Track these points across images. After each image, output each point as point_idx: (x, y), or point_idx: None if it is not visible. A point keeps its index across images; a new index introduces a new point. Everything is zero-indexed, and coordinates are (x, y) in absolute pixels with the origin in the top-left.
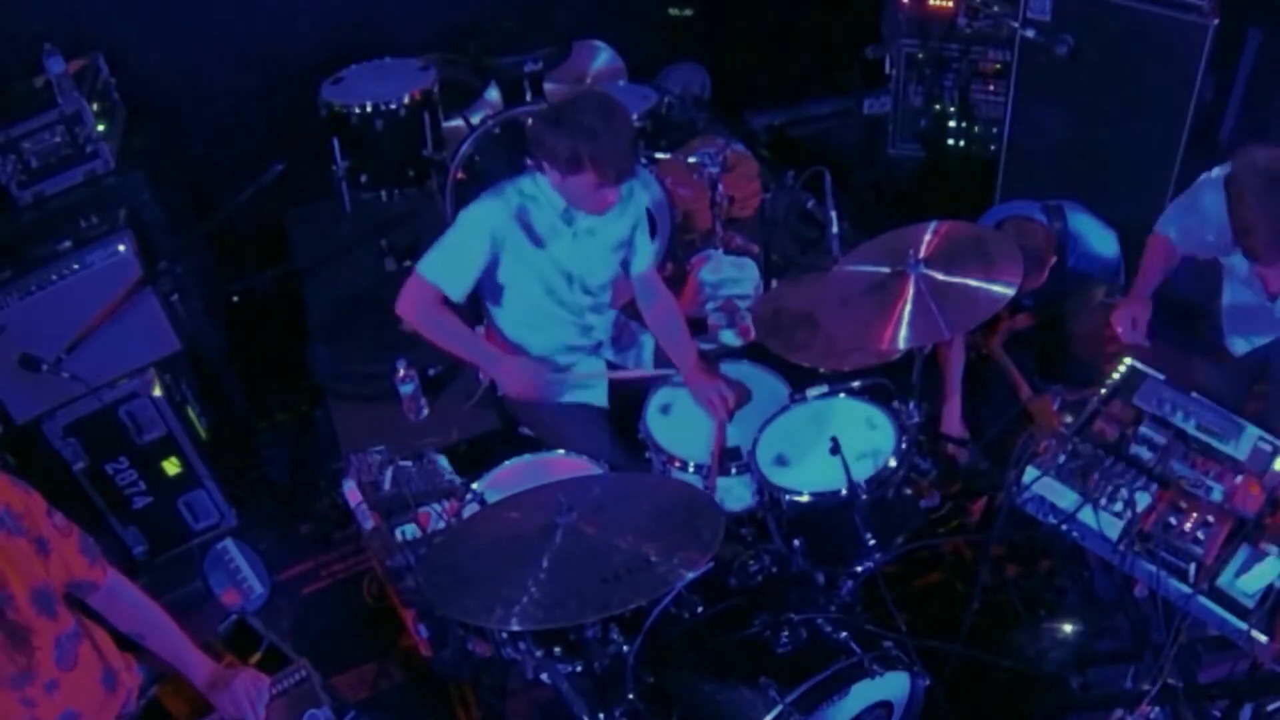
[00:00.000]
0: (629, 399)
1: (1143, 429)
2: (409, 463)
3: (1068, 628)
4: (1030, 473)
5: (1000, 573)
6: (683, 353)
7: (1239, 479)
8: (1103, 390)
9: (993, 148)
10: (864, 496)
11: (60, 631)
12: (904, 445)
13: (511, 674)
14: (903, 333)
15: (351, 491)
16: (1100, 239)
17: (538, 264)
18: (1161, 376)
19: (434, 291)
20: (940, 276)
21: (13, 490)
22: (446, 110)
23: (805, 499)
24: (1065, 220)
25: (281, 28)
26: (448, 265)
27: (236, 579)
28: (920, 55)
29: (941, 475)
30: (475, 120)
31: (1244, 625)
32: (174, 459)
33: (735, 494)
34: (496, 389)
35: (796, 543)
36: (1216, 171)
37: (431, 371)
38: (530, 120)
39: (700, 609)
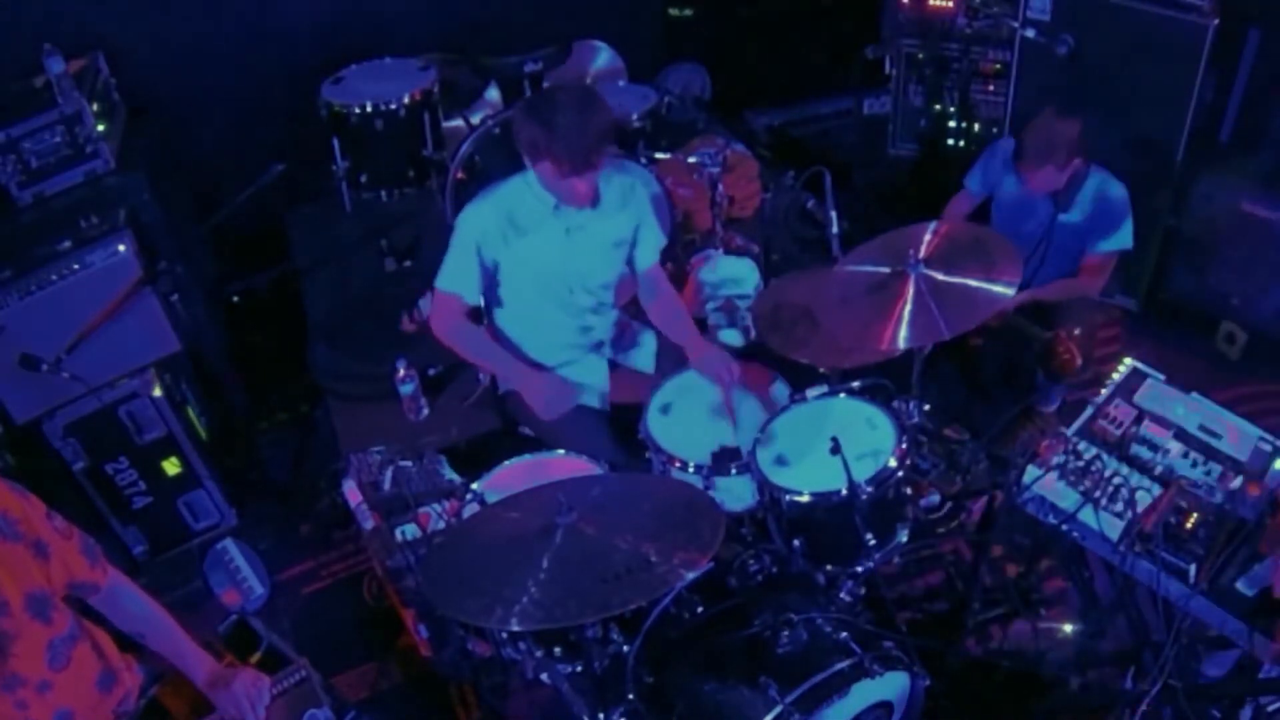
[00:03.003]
0: (629, 398)
1: (1143, 429)
2: (409, 463)
3: (1068, 628)
4: (1030, 472)
5: (1000, 573)
6: (686, 336)
7: (1239, 479)
8: (1103, 390)
9: None
10: (864, 496)
11: (54, 635)
12: (904, 445)
13: (511, 674)
14: (903, 332)
15: (351, 491)
16: (1116, 186)
17: (527, 257)
18: (1162, 376)
19: (454, 302)
20: (940, 276)
21: (10, 495)
22: (446, 110)
23: (805, 499)
24: (1089, 164)
25: (281, 28)
26: (455, 272)
27: (236, 579)
28: (920, 55)
29: (943, 472)
30: (475, 120)
31: (1244, 625)
32: (174, 459)
33: (735, 494)
34: (496, 388)
35: (796, 543)
36: None
37: (431, 371)
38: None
39: (700, 609)
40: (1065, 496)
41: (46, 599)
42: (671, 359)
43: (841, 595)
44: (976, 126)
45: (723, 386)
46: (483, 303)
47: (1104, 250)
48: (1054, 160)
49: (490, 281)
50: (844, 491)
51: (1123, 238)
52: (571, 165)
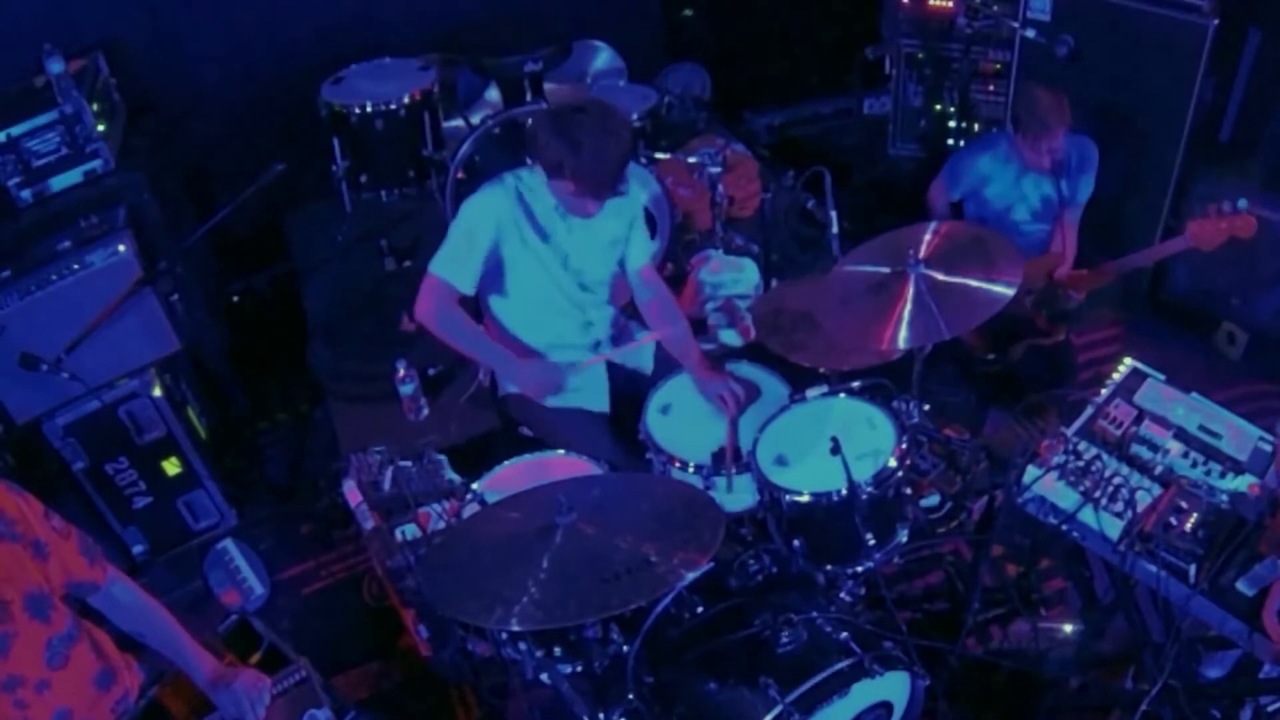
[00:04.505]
0: (629, 399)
1: (1143, 429)
2: (409, 463)
3: (1068, 628)
4: (1030, 473)
5: (1000, 573)
6: (685, 349)
7: (1239, 479)
8: (1103, 390)
9: None
10: (864, 496)
11: (52, 634)
12: (904, 445)
13: (511, 674)
14: (903, 333)
15: (351, 491)
16: (1088, 141)
17: (541, 254)
18: (1162, 376)
19: (447, 289)
20: (940, 276)
21: (7, 496)
22: (446, 110)
23: (805, 499)
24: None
25: (281, 28)
26: (455, 259)
27: (236, 579)
28: (920, 55)
29: (943, 472)
30: (475, 120)
31: (1244, 625)
32: (174, 459)
33: (735, 494)
34: (495, 388)
35: (796, 543)
36: None
37: (431, 371)
38: (534, 116)
39: (700, 609)
40: (1065, 496)
41: (45, 599)
42: (671, 359)
43: (841, 595)
44: (976, 126)
45: (726, 414)
46: (475, 294)
47: (1081, 203)
48: (1066, 119)
49: (496, 271)
50: (844, 491)
51: (1090, 186)
52: (595, 192)
